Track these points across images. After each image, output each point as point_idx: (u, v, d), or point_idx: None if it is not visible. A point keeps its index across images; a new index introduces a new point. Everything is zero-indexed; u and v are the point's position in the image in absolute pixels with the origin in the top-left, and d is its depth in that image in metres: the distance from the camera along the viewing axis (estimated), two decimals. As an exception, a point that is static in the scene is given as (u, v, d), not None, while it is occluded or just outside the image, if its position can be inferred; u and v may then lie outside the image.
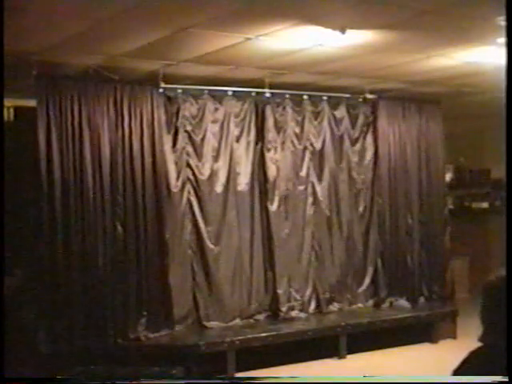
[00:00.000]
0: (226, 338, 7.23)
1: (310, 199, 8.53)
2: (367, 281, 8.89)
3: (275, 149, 8.30)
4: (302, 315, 8.32)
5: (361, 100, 8.85)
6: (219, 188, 7.91)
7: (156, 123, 7.44)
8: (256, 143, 8.21)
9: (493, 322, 2.33)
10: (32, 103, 6.98)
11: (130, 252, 7.24)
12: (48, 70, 6.82)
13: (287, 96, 8.36)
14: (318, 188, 8.57)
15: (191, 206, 7.75)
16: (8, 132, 6.86)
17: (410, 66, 7.54)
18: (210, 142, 7.90)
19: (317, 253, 8.56)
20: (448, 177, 10.62)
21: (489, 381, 2.16)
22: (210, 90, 7.86)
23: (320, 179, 8.59)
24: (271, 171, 8.24)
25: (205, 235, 7.79)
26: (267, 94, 8.14)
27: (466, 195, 12.09)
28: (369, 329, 8.07)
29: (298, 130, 8.47)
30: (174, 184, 7.63)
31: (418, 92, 8.98)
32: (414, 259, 9.07)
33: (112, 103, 7.21)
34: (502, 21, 5.41)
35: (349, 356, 7.78)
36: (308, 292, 8.47)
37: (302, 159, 8.50)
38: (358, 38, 6.12)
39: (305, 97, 8.49)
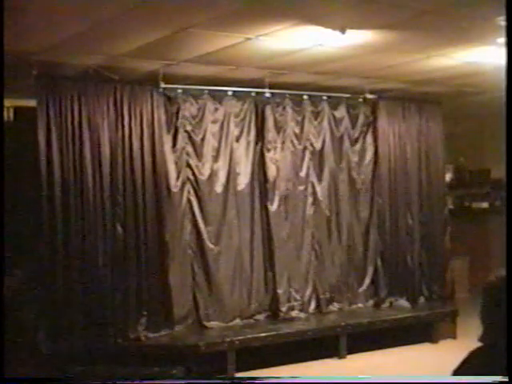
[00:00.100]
0: (226, 338, 7.22)
1: (310, 199, 8.52)
2: (367, 281, 8.88)
3: (275, 149, 8.29)
4: (302, 315, 8.31)
5: (361, 100, 8.84)
6: (219, 188, 7.91)
7: (156, 123, 7.44)
8: (256, 143, 8.20)
9: (493, 322, 2.33)
10: (32, 103, 6.99)
11: (129, 252, 7.24)
12: (48, 70, 6.82)
13: (287, 96, 8.35)
14: (318, 188, 8.56)
15: (191, 206, 7.75)
16: (8, 132, 6.87)
17: (410, 66, 7.54)
18: (210, 142, 7.89)
19: (317, 253, 8.56)
20: (448, 177, 10.63)
21: (489, 381, 2.15)
22: (210, 90, 7.86)
23: (320, 179, 8.59)
24: (271, 171, 8.24)
25: (205, 235, 7.79)
26: (267, 94, 8.14)
27: (465, 195, 12.07)
28: (369, 329, 8.06)
29: (297, 130, 8.47)
30: (174, 184, 7.63)
31: (418, 92, 8.98)
32: (414, 259, 9.07)
33: (112, 103, 7.21)
34: (502, 21, 5.41)
35: (349, 356, 7.78)
36: (308, 292, 8.46)
37: (302, 159, 8.50)
38: (358, 38, 6.12)
39: (305, 97, 8.49)
